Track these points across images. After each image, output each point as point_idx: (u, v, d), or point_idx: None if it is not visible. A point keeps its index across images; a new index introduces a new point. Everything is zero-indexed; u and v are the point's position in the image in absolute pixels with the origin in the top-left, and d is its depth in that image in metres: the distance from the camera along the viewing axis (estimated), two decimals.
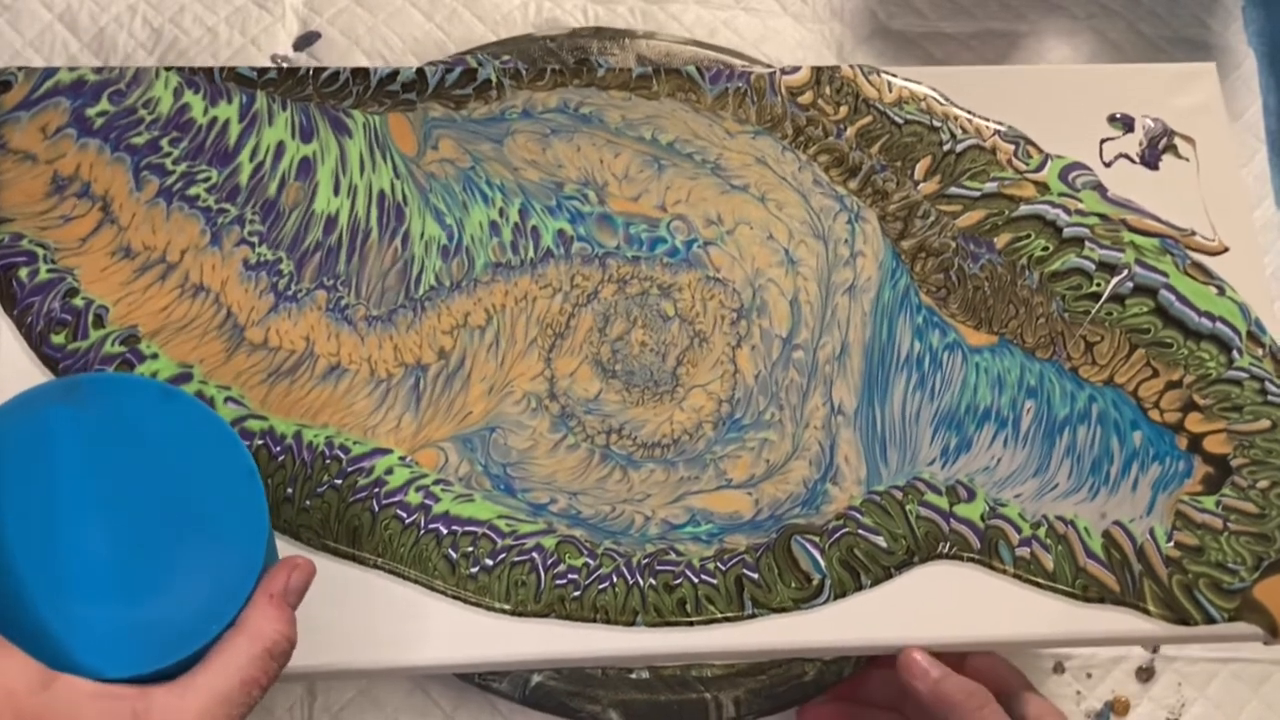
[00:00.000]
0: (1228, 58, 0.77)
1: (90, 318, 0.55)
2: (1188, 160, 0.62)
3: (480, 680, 0.62)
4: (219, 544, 0.43)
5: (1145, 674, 0.67)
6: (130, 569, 0.43)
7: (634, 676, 0.62)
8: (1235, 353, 0.58)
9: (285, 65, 0.71)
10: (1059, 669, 0.67)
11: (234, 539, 0.44)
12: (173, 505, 0.44)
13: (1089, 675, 0.67)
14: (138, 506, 0.43)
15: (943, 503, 0.55)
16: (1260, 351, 0.59)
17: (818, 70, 0.62)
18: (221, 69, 0.60)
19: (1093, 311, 0.59)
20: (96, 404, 0.44)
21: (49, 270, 0.56)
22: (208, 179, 0.58)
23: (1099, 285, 0.59)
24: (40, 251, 0.56)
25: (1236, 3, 0.79)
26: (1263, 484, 0.57)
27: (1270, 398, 0.58)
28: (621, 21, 0.74)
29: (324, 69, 0.60)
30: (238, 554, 0.44)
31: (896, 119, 0.61)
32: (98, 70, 0.59)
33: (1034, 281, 0.59)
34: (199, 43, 0.72)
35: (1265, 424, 0.57)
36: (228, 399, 0.55)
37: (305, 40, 0.73)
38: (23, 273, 0.56)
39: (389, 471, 0.54)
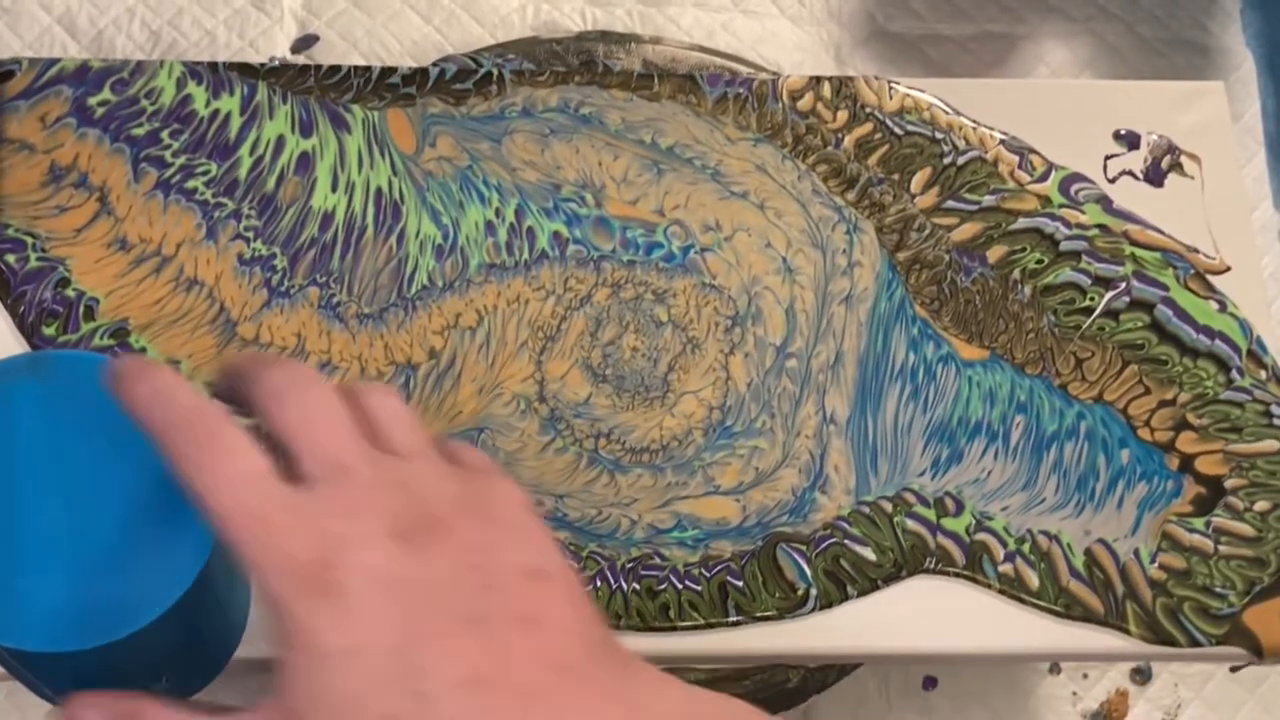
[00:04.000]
0: (1226, 60, 0.77)
1: (81, 310, 0.56)
2: (1192, 178, 0.61)
3: None
4: (168, 529, 0.43)
5: (1142, 675, 0.67)
6: (75, 546, 0.42)
7: None
8: (1235, 372, 0.58)
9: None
10: (1055, 669, 0.67)
11: (184, 526, 0.43)
12: (126, 487, 0.43)
13: (1085, 676, 0.67)
14: (91, 485, 0.43)
15: (930, 515, 0.55)
16: (1264, 374, 0.58)
17: (817, 75, 0.62)
18: (224, 61, 0.60)
19: (1083, 326, 0.58)
20: (61, 380, 0.44)
21: (38, 259, 0.56)
22: (207, 172, 0.58)
23: (1092, 300, 0.59)
24: (29, 240, 0.56)
25: (1235, 5, 0.78)
26: (1261, 506, 0.56)
27: (1276, 421, 0.57)
28: (619, 24, 0.74)
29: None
30: (185, 541, 0.43)
31: (897, 129, 0.61)
32: (103, 59, 0.59)
33: (1025, 296, 0.59)
34: (197, 45, 0.73)
35: (1272, 446, 0.57)
36: None
37: (303, 43, 0.73)
38: (11, 259, 0.56)
39: None
